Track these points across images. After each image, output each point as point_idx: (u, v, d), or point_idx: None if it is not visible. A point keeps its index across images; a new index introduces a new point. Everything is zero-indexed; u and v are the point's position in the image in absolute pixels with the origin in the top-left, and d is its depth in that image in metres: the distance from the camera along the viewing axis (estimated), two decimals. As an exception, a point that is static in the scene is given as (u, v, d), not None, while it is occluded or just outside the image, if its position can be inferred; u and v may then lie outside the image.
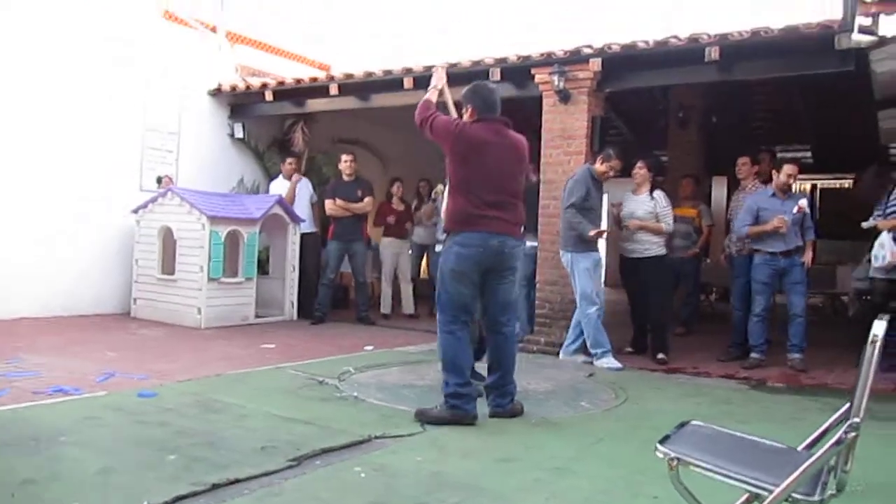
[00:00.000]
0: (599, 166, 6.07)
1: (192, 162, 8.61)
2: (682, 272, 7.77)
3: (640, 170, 6.42)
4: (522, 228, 4.28)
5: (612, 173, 6.11)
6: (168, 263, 7.44)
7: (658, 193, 6.46)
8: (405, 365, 5.73)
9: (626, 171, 6.46)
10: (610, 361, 5.89)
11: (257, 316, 7.74)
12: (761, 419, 4.31)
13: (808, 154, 13.14)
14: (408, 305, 9.02)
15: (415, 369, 5.57)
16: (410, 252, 9.03)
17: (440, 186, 8.51)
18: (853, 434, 1.82)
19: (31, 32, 7.08)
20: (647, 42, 6.09)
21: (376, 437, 3.60)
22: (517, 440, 3.73)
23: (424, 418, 3.94)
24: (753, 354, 6.16)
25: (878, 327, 1.87)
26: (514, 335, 4.34)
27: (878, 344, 1.85)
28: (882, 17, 5.64)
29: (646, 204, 6.38)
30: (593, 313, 5.97)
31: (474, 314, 4.17)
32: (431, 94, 4.41)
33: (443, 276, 4.10)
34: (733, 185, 8.15)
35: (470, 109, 4.18)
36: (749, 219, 6.23)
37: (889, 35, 5.68)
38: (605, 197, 6.36)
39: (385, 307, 8.82)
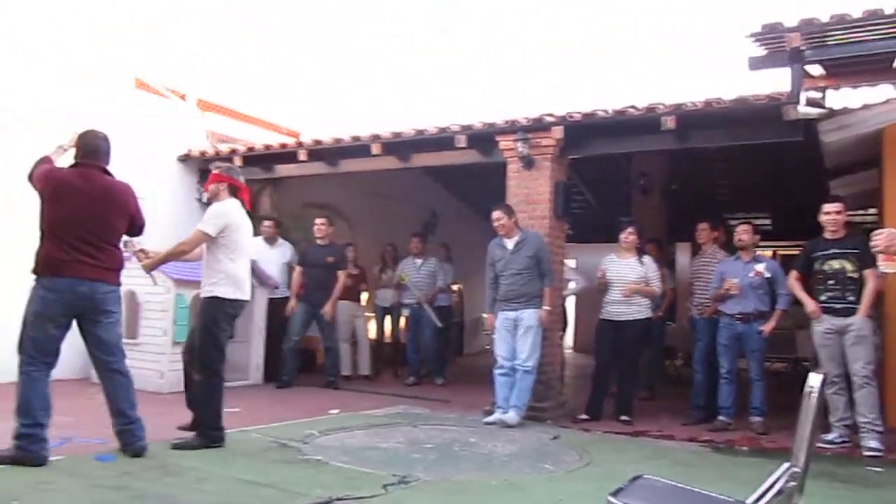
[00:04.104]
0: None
1: (160, 226, 8.58)
2: (648, 335, 7.86)
3: (629, 235, 6.60)
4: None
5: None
6: (131, 327, 7.37)
7: (647, 258, 6.65)
8: (370, 428, 5.69)
9: (596, 236, 6.60)
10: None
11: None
12: (720, 479, 4.34)
13: (768, 222, 13.51)
14: (364, 366, 9.10)
15: (379, 432, 5.54)
16: (374, 314, 9.11)
17: (401, 272, 8.71)
18: (793, 483, 1.88)
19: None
20: (606, 111, 6.33)
21: (337, 500, 3.57)
22: (477, 502, 3.72)
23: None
24: (721, 417, 6.21)
25: (814, 379, 1.94)
26: (127, 374, 4.35)
27: (815, 395, 1.92)
28: (829, 91, 5.97)
29: (636, 268, 6.53)
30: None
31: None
32: (54, 153, 4.45)
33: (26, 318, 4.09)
34: (696, 251, 8.35)
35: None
36: (716, 283, 6.40)
37: (836, 108, 6.00)
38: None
39: (345, 368, 8.80)
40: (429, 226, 11.59)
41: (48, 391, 4.05)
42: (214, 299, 4.75)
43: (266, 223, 8.56)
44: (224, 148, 8.83)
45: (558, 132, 6.55)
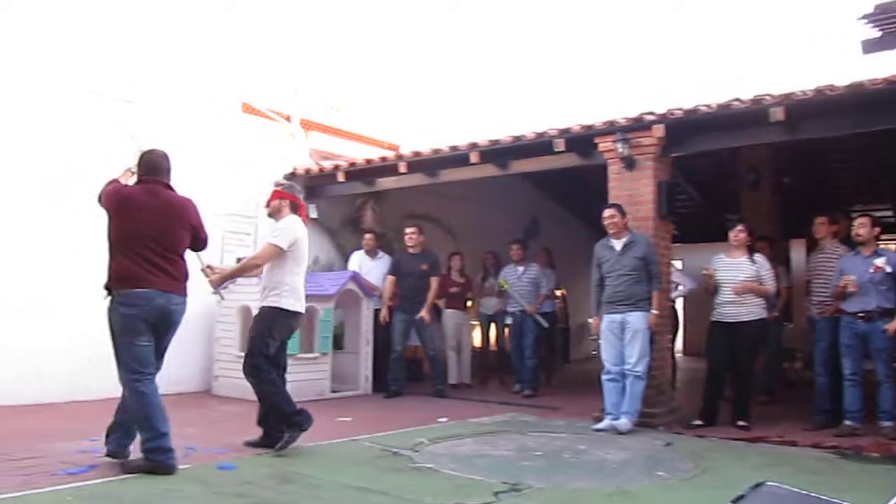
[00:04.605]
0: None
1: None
2: (764, 337, 7.54)
3: (739, 233, 6.40)
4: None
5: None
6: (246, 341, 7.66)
7: (759, 256, 6.42)
8: (479, 436, 5.71)
9: (703, 236, 6.40)
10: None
11: (333, 390, 7.85)
12: (849, 488, 4.09)
13: (889, 213, 12.68)
14: (465, 375, 9.17)
15: (488, 440, 5.55)
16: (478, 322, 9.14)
17: (502, 280, 8.68)
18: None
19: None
20: (709, 106, 6.12)
21: (449, 507, 3.60)
22: (592, 510, 3.66)
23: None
24: (847, 421, 5.87)
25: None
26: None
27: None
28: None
29: (747, 267, 6.31)
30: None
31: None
32: (122, 176, 4.58)
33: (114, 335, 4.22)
34: (812, 247, 7.94)
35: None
36: (836, 280, 6.08)
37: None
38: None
39: (451, 377, 8.86)
40: (530, 231, 11.53)
41: (160, 400, 4.21)
42: (277, 310, 4.95)
43: (367, 236, 8.76)
44: (327, 164, 9.09)
45: (659, 130, 6.38)
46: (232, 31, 8.84)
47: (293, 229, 5.04)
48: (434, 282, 8.29)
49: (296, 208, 5.21)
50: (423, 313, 8.14)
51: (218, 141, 8.48)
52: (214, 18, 8.64)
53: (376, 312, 8.41)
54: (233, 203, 8.60)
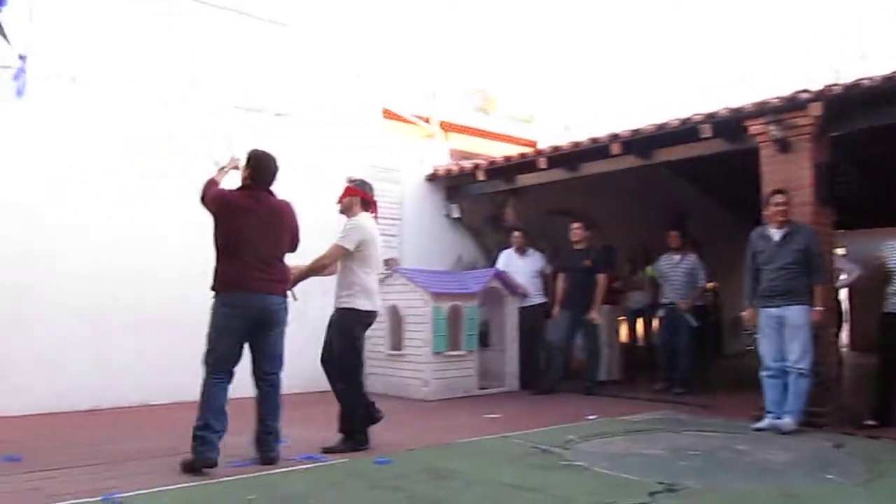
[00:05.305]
0: None
1: (413, 244, 9.18)
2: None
3: None
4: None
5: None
6: (396, 339, 7.91)
7: None
8: (630, 434, 5.58)
9: (869, 220, 5.93)
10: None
11: (480, 388, 7.94)
12: None
13: None
14: (614, 371, 8.98)
15: (640, 438, 5.41)
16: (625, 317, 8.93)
17: (650, 268, 8.37)
18: None
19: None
20: (871, 79, 5.66)
21: (603, 506, 3.55)
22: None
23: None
24: None
25: None
26: (277, 387, 4.57)
27: None
28: None
29: None
30: None
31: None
32: (218, 175, 4.67)
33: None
34: None
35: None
36: None
37: None
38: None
39: (601, 373, 8.67)
40: (675, 223, 11.12)
41: (225, 400, 4.35)
42: (350, 311, 4.96)
43: (515, 234, 8.75)
44: (467, 164, 9.20)
45: (816, 109, 5.96)
46: (369, 37, 9.11)
47: (362, 228, 5.01)
48: (602, 279, 8.10)
49: (367, 205, 5.18)
50: (593, 314, 8.01)
51: (361, 147, 8.78)
52: (357, 24, 8.93)
53: (521, 310, 8.41)
54: (378, 207, 8.87)
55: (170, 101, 7.26)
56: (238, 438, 4.48)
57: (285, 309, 4.57)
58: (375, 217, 5.27)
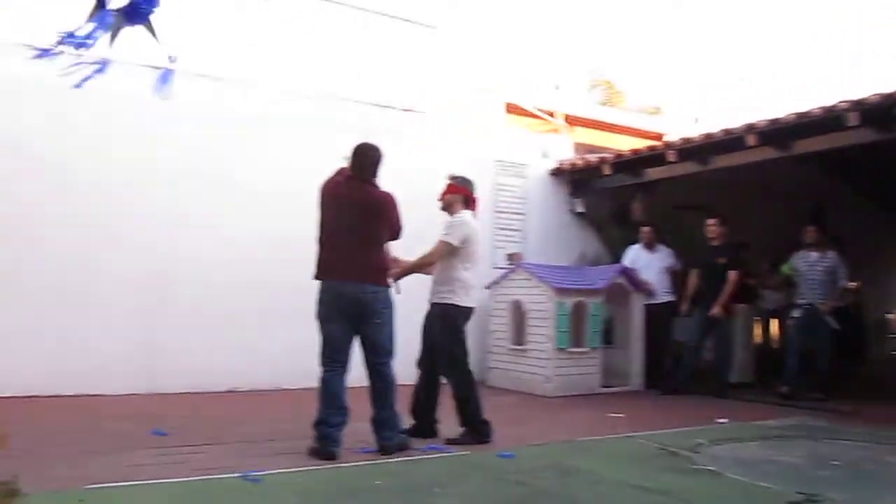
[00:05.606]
0: None
1: (536, 239, 9.13)
2: None
3: None
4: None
5: None
6: (518, 334, 7.89)
7: None
8: (764, 439, 5.32)
9: None
10: None
11: (602, 386, 7.79)
12: None
13: None
14: (746, 373, 8.54)
15: (775, 444, 5.15)
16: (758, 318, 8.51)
17: (786, 266, 7.94)
18: None
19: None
20: None
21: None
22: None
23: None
24: None
25: None
26: (388, 377, 4.54)
27: None
28: None
29: None
30: None
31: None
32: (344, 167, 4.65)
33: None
34: None
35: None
36: None
37: None
38: None
39: (733, 375, 8.28)
40: (813, 219, 10.48)
41: (338, 391, 4.41)
42: (450, 306, 4.94)
43: (644, 229, 8.52)
44: (592, 158, 9.04)
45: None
46: (496, 33, 9.13)
47: (466, 225, 4.98)
48: (732, 276, 7.75)
49: (468, 202, 5.13)
50: (716, 310, 7.71)
51: (486, 141, 8.81)
52: (483, 21, 8.99)
53: (647, 308, 8.19)
54: (501, 201, 8.89)
55: (308, 97, 7.52)
56: (367, 424, 4.60)
57: (382, 298, 4.57)
58: (476, 214, 5.27)
